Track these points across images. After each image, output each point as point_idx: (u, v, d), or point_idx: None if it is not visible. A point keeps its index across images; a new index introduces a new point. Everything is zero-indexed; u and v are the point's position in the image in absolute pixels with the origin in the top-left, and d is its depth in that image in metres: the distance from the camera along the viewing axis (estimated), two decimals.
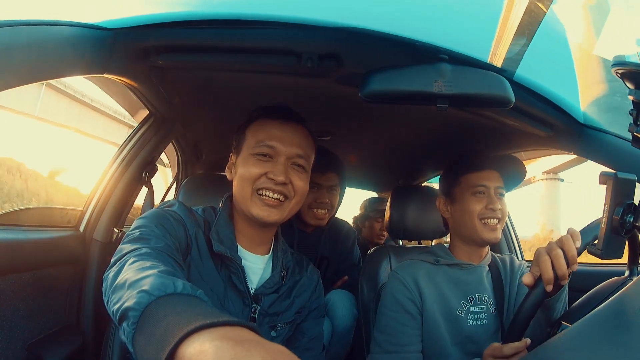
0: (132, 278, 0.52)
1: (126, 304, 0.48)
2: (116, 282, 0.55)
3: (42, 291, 0.98)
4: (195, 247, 0.78)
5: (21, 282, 0.90)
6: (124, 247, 0.65)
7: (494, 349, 0.78)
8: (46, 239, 1.03)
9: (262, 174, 0.79)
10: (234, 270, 0.79)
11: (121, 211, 1.26)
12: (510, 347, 0.75)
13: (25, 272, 0.92)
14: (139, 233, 0.68)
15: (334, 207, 1.46)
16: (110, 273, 0.59)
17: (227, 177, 0.87)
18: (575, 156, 1.07)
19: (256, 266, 0.85)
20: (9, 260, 0.87)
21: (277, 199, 0.80)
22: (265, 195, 0.79)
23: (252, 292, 0.82)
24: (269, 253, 0.88)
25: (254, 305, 0.81)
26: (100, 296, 0.60)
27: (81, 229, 1.19)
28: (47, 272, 1.00)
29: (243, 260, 0.82)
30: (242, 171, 0.81)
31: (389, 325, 0.99)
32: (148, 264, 0.56)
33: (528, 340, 0.75)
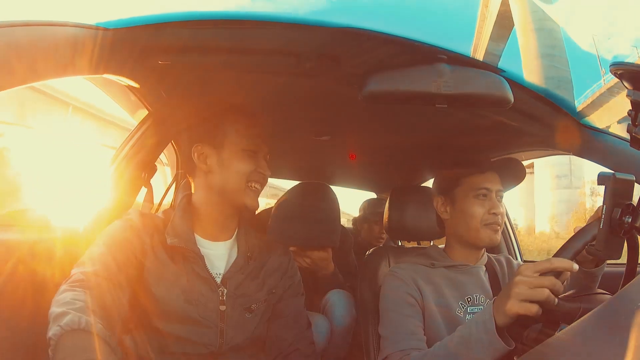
0: None
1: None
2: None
3: (41, 292, 0.97)
4: (151, 252, 0.84)
5: (20, 282, 0.90)
6: (61, 295, 0.71)
7: (532, 264, 0.68)
8: (45, 239, 1.03)
9: (254, 169, 0.90)
10: (193, 259, 0.86)
11: (120, 212, 1.25)
12: (562, 261, 0.66)
13: (24, 273, 0.92)
14: (81, 276, 0.74)
15: None
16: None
17: (202, 169, 0.92)
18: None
19: (219, 252, 0.91)
20: (8, 261, 0.87)
21: (260, 189, 0.92)
22: (254, 186, 0.91)
23: (219, 277, 0.88)
24: (231, 239, 0.94)
25: (220, 289, 0.87)
26: None
27: (80, 229, 1.18)
28: (46, 272, 1.00)
29: (203, 249, 0.88)
30: (237, 166, 0.89)
31: (394, 319, 0.98)
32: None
33: (576, 266, 0.66)
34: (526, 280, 0.67)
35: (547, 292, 0.65)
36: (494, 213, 0.99)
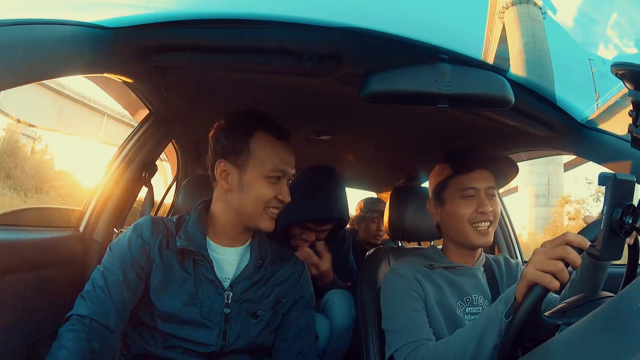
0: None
1: None
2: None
3: (42, 291, 0.98)
4: (158, 258, 0.87)
5: (21, 282, 0.90)
6: (77, 303, 0.82)
7: (550, 240, 0.69)
8: (46, 239, 1.03)
9: (274, 196, 0.89)
10: (201, 262, 0.88)
11: (121, 211, 1.26)
12: (575, 236, 0.66)
13: (25, 272, 0.92)
14: (92, 289, 0.83)
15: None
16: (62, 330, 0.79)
17: (223, 186, 0.91)
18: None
19: (230, 258, 0.93)
20: (9, 260, 0.87)
21: (277, 213, 0.92)
22: (271, 212, 0.90)
23: (228, 281, 0.90)
24: (244, 245, 0.96)
25: (226, 292, 0.89)
26: None
27: (81, 229, 1.18)
28: (47, 272, 1.00)
29: (214, 254, 0.91)
30: (256, 192, 0.88)
31: (400, 313, 0.96)
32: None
33: (587, 242, 0.66)
34: (543, 250, 0.68)
35: (561, 264, 0.65)
36: (482, 212, 0.97)
